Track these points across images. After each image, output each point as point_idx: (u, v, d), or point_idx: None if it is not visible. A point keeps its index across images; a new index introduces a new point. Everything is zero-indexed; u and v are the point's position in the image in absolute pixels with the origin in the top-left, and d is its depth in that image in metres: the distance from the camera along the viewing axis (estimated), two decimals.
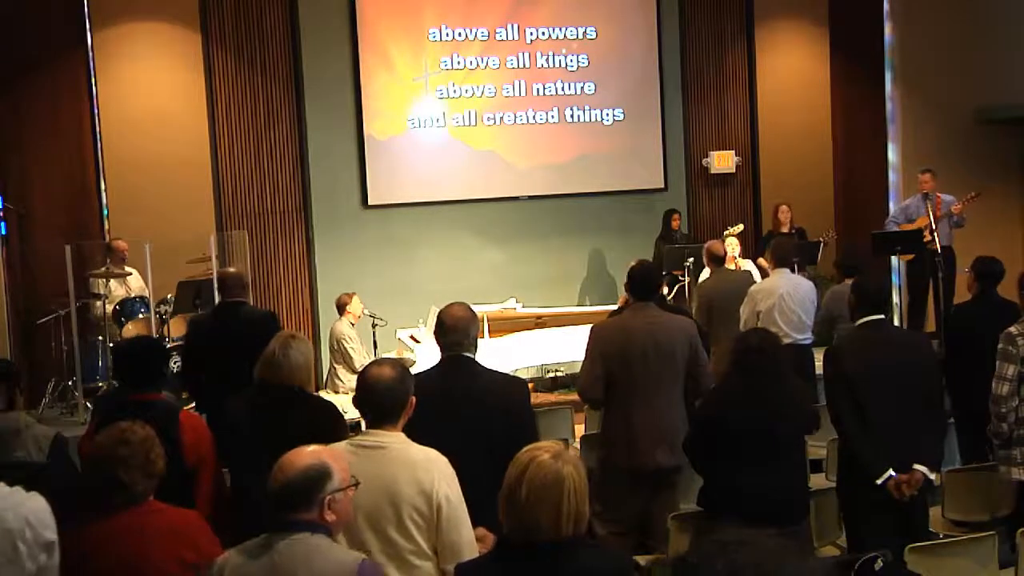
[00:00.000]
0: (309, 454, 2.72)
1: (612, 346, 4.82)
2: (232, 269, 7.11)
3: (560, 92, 10.76)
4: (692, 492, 4.68)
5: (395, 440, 3.15)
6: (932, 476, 4.47)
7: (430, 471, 3.06)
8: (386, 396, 3.18)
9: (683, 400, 4.88)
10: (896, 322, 9.73)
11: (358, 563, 2.65)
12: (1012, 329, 4.90)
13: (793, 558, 1.59)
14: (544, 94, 10.72)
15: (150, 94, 9.66)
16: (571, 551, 2.53)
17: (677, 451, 4.72)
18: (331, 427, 4.07)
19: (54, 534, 3.00)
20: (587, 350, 4.93)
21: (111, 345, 8.42)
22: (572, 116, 10.82)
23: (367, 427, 3.24)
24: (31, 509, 2.99)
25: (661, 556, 4.59)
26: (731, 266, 8.32)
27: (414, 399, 3.25)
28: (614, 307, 6.76)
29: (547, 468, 2.52)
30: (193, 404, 6.18)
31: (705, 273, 9.01)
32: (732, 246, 8.71)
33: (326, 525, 2.68)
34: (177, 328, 8.63)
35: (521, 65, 10.63)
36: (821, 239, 10.00)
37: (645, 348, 4.76)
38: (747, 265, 8.77)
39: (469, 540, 3.07)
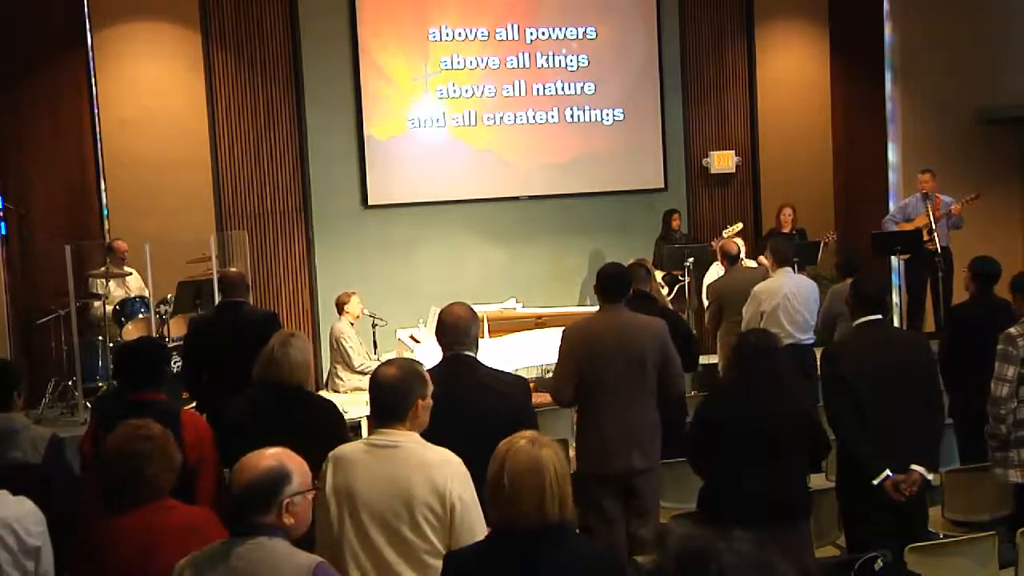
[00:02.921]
0: (269, 456, 2.70)
1: (582, 348, 4.77)
2: (234, 269, 7.12)
3: (560, 92, 10.76)
4: (686, 492, 4.67)
5: (408, 440, 3.15)
6: (930, 476, 4.46)
7: (444, 472, 3.06)
8: (388, 394, 3.18)
9: (655, 402, 4.82)
10: (896, 322, 9.73)
11: (313, 566, 2.64)
12: (1012, 330, 4.88)
13: (755, 570, 1.58)
14: (544, 94, 10.71)
15: (150, 94, 9.66)
16: (558, 537, 2.56)
17: (649, 454, 4.71)
18: (333, 426, 4.07)
19: (39, 540, 2.97)
20: (559, 352, 4.89)
21: (111, 345, 8.43)
22: (572, 116, 10.81)
23: (376, 426, 3.24)
24: (16, 515, 2.97)
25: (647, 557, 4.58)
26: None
27: (426, 402, 3.21)
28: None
29: (525, 454, 2.56)
30: (194, 404, 6.18)
31: (712, 271, 9.02)
32: (740, 245, 8.71)
33: (284, 528, 2.67)
34: (177, 328, 8.63)
35: (521, 65, 10.62)
36: (821, 239, 10.00)
37: (614, 351, 4.71)
38: (749, 264, 8.77)
39: None
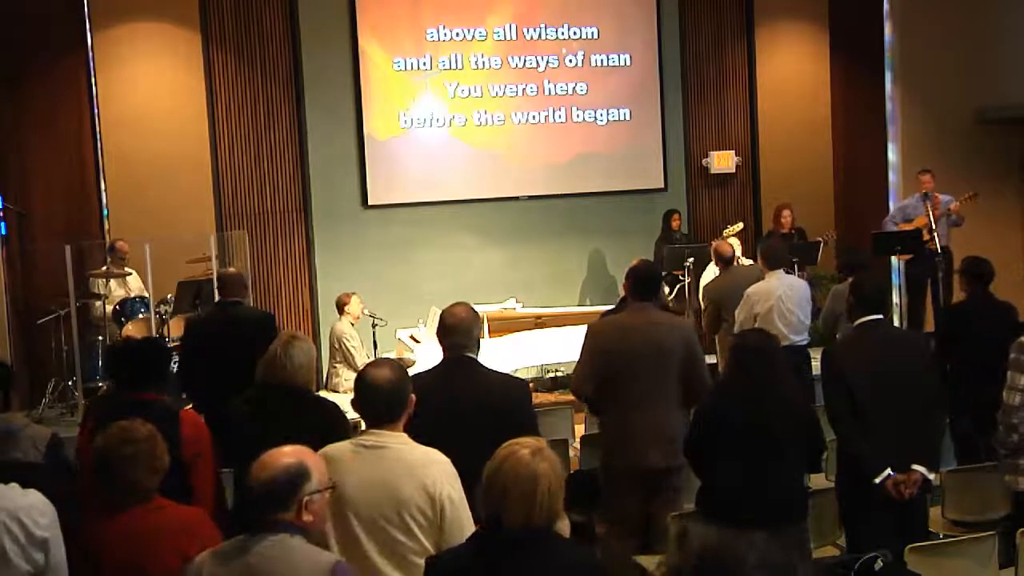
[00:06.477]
0: (288, 453, 2.71)
1: (609, 345, 4.80)
2: (232, 269, 7.12)
3: (560, 92, 10.75)
4: (693, 492, 4.67)
5: (397, 440, 3.15)
6: (931, 476, 4.46)
7: (433, 472, 3.06)
8: (386, 396, 3.18)
9: (681, 403, 4.84)
10: (896, 322, 9.73)
11: (332, 565, 2.65)
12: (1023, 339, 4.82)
13: (776, 570, 1.60)
14: (544, 94, 10.71)
15: (150, 94, 9.67)
16: (541, 541, 2.58)
17: (673, 452, 4.70)
18: (337, 427, 4.07)
19: (47, 531, 2.98)
20: (583, 347, 4.91)
21: (110, 345, 8.43)
22: (572, 116, 10.81)
23: (367, 427, 3.24)
24: (23, 506, 2.97)
25: (662, 556, 4.58)
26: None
27: (414, 398, 3.25)
28: (611, 308, 6.74)
29: (523, 464, 2.57)
30: (191, 405, 6.17)
31: (708, 272, 9.03)
32: (734, 246, 8.70)
33: (302, 526, 2.67)
34: (177, 328, 8.62)
35: (521, 65, 10.62)
36: (821, 239, 10.00)
37: (642, 349, 4.73)
38: (746, 262, 8.75)
39: None
